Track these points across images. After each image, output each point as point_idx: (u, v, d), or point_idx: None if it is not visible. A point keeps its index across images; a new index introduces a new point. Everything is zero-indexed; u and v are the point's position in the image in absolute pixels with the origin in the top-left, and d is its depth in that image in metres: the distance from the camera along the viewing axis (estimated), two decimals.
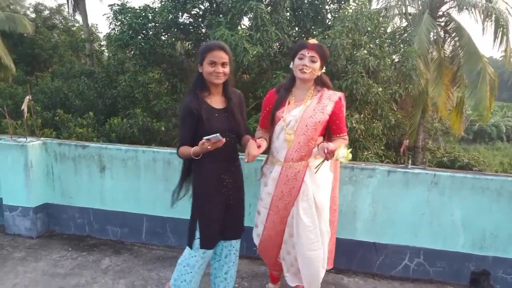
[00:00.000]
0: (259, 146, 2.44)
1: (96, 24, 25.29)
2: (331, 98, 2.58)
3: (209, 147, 2.29)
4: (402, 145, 3.38)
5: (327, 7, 10.53)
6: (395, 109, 11.78)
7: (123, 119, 9.97)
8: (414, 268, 3.32)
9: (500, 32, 12.64)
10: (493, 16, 12.57)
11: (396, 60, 11.01)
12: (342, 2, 10.23)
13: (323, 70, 2.63)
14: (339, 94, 2.62)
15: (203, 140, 2.28)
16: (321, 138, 2.63)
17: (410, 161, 3.29)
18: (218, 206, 2.56)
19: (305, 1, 10.25)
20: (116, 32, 10.92)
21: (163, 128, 10.19)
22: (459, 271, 3.24)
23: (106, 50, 16.58)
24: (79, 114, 10.84)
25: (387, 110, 10.24)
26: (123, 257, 3.60)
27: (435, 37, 13.53)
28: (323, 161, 2.45)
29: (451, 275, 3.26)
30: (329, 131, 2.64)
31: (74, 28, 21.36)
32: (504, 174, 3.30)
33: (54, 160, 3.92)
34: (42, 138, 4.06)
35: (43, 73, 17.13)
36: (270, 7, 9.58)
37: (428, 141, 16.83)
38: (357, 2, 9.96)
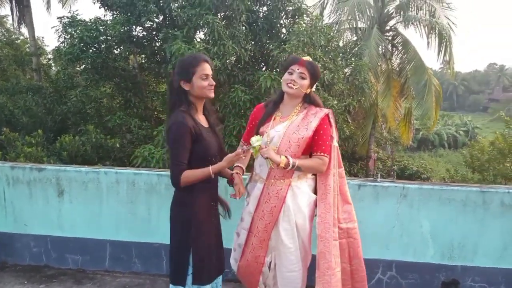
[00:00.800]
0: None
1: (42, 37, 24.15)
2: (317, 114, 2.52)
3: (243, 157, 2.29)
4: (370, 158, 3.42)
5: (281, 21, 10.70)
6: (349, 121, 12.13)
7: (75, 137, 9.53)
8: (387, 281, 3.34)
9: (444, 45, 13.38)
10: (437, 30, 13.29)
11: (348, 73, 11.35)
12: (296, 17, 10.42)
13: (313, 89, 2.59)
14: (326, 111, 2.55)
15: (245, 147, 2.31)
16: (305, 157, 2.55)
17: (379, 174, 3.33)
18: (212, 236, 2.42)
19: (260, 16, 10.37)
20: (65, 45, 10.51)
21: (117, 145, 9.83)
22: (430, 281, 3.30)
23: (53, 64, 15.87)
24: (27, 132, 10.26)
25: (341, 122, 10.50)
26: (85, 287, 3.37)
27: (383, 50, 14.13)
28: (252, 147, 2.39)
29: (422, 287, 3.31)
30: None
31: (19, 41, 20.33)
32: (468, 184, 3.42)
33: (6, 184, 3.63)
34: None
35: None
36: (225, 21, 9.60)
37: (378, 150, 17.46)
38: (310, 17, 10.25)
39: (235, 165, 2.62)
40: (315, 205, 2.57)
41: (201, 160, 2.28)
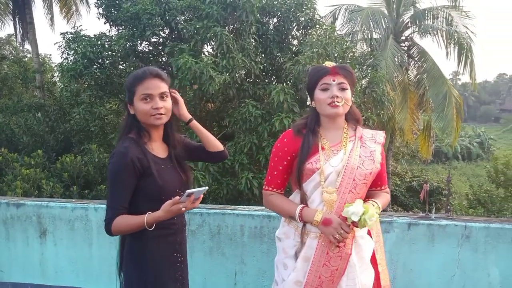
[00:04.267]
0: None
1: (50, 54, 24.07)
2: (376, 139, 1.94)
3: (183, 208, 1.60)
4: (422, 190, 2.79)
5: (293, 33, 10.22)
6: None
7: (77, 157, 9.02)
8: None
9: (464, 55, 12.74)
10: (456, 39, 12.68)
11: (365, 85, 10.78)
12: (308, 28, 9.93)
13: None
14: (382, 134, 2.00)
15: (178, 198, 1.60)
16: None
17: (433, 210, 2.69)
18: None
19: (270, 27, 9.90)
20: (69, 61, 10.13)
21: None
22: None
23: (58, 81, 15.56)
24: (28, 152, 9.79)
25: None
26: None
27: (399, 61, 13.53)
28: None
29: None
30: None
31: (26, 59, 20.14)
32: None
33: None
34: None
35: None
36: (234, 33, 9.12)
37: (396, 165, 16.75)
38: (324, 27, 9.74)
39: (300, 206, 1.88)
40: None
41: (153, 200, 1.73)
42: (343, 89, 1.88)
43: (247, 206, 2.88)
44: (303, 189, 1.91)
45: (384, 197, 1.97)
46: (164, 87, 1.80)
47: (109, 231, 1.72)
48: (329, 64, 1.93)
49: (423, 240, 2.60)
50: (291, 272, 1.91)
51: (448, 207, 2.57)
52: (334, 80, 1.87)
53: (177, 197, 1.61)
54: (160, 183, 1.75)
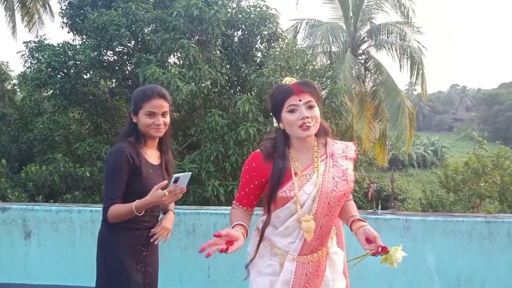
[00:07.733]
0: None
1: (7, 62, 23.35)
2: (347, 154, 1.88)
3: (166, 193, 1.83)
4: (370, 189, 3.21)
5: (256, 45, 10.65)
6: None
7: (42, 166, 9.00)
8: None
9: (416, 68, 13.63)
10: (409, 52, 13.55)
11: (324, 96, 11.34)
12: (272, 41, 10.39)
13: None
14: (353, 148, 1.93)
15: (165, 182, 1.86)
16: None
17: (379, 206, 3.12)
18: (136, 286, 2.11)
19: (235, 40, 10.28)
20: (32, 70, 10.10)
21: (87, 174, 9.33)
22: None
23: (19, 90, 15.24)
24: None
25: None
26: None
27: (357, 73, 14.28)
28: (364, 255, 1.83)
29: None
30: None
31: None
32: (473, 214, 3.27)
33: None
34: None
35: None
36: (200, 45, 9.45)
37: (354, 173, 17.47)
38: (286, 41, 10.23)
39: (235, 223, 1.78)
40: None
41: (137, 196, 1.97)
42: (311, 107, 1.76)
43: (220, 206, 3.21)
44: (272, 214, 1.84)
45: (355, 208, 2.02)
46: (166, 106, 2.10)
47: (106, 219, 1.99)
48: (289, 80, 1.83)
49: None
50: None
51: (392, 204, 2.99)
52: (300, 100, 1.75)
53: (165, 181, 1.89)
54: (145, 184, 2.01)
